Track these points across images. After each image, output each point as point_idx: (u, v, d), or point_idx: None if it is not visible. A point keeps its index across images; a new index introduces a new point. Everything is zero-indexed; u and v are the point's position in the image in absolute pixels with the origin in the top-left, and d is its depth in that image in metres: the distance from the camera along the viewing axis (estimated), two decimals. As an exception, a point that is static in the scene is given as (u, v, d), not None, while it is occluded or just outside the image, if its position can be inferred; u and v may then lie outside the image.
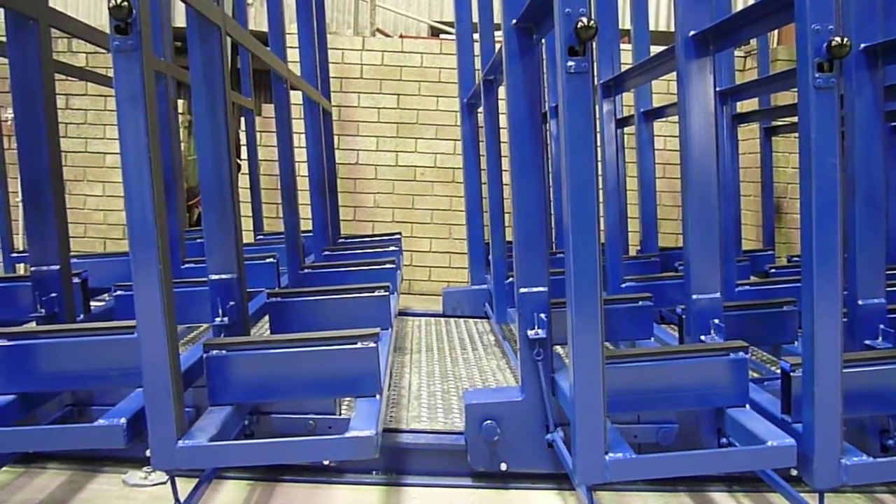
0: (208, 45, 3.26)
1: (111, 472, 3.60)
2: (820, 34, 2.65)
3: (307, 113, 6.13)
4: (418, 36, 9.36)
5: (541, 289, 3.44)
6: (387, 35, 9.13)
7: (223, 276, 3.44)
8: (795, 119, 3.87)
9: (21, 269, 7.19)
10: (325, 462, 3.52)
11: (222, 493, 3.45)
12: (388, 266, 5.15)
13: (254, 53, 4.31)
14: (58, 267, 3.56)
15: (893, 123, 5.11)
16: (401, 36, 9.03)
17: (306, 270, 5.15)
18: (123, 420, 2.85)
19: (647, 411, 3.48)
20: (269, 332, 4.20)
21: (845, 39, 2.62)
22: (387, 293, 4.11)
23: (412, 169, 8.24)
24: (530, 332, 3.40)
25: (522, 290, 3.45)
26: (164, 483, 3.51)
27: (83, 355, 3.11)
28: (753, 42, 7.67)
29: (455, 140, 7.86)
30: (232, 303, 3.45)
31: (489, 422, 3.47)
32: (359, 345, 3.09)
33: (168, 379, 2.68)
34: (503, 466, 3.51)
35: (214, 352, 3.06)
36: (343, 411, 3.70)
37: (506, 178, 4.17)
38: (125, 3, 2.45)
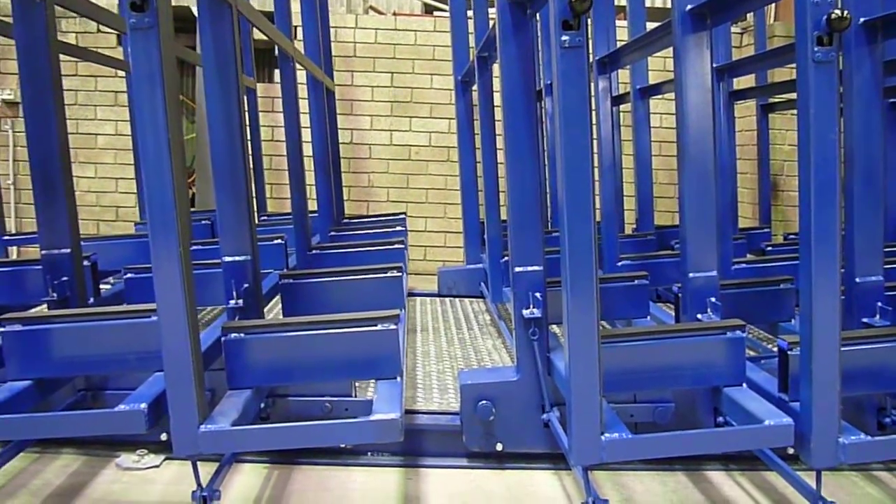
0: (220, 24, 3.19)
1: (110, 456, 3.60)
2: (819, 7, 2.60)
3: (311, 92, 6.06)
4: (412, 13, 9.25)
5: (536, 268, 3.41)
6: (380, 13, 9.03)
7: (237, 258, 3.40)
8: (792, 96, 3.83)
9: (13, 252, 7.14)
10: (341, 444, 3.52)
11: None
12: (396, 246, 5.13)
13: (262, 31, 4.23)
14: (69, 250, 3.52)
15: (892, 99, 5.07)
16: (394, 13, 8.94)
17: (314, 251, 5.13)
18: (144, 405, 2.82)
19: (643, 390, 3.47)
20: (279, 313, 4.17)
21: (845, 12, 2.57)
22: (400, 274, 4.10)
23: (407, 148, 8.19)
24: (525, 312, 3.38)
25: (517, 269, 3.42)
26: (158, 466, 3.51)
27: (101, 340, 3.08)
28: (750, 18, 7.60)
29: (450, 119, 7.80)
30: (246, 285, 3.41)
31: (484, 402, 3.46)
32: (379, 327, 3.07)
33: (189, 363, 2.66)
34: (499, 447, 3.50)
35: (233, 335, 3.04)
36: (358, 393, 3.69)
37: (500, 156, 4.15)
38: None
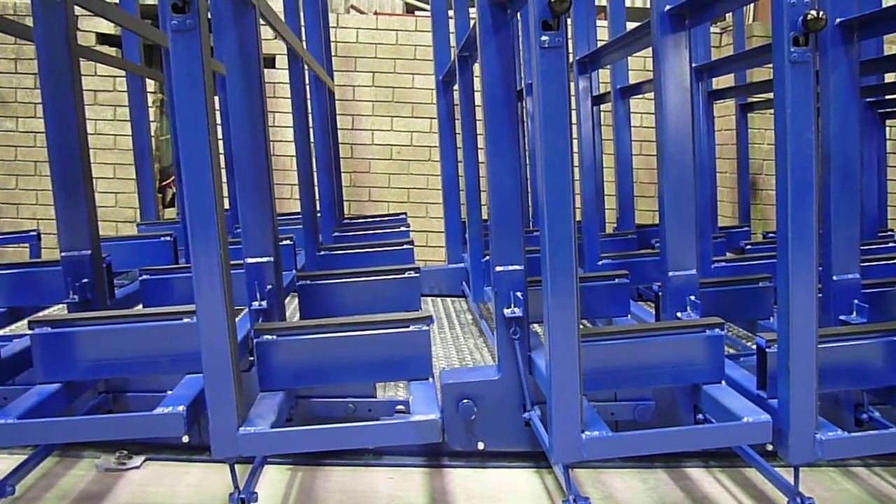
0: (244, 25, 3.18)
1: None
2: (795, 7, 2.63)
3: (314, 93, 6.02)
4: (393, 13, 9.25)
5: (517, 267, 3.42)
6: (361, 12, 9.01)
7: (260, 260, 3.39)
8: (771, 95, 3.85)
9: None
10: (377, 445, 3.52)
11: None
12: (406, 247, 5.15)
13: (277, 32, 4.21)
14: (89, 252, 3.48)
15: (868, 99, 5.13)
16: (375, 13, 8.92)
17: (323, 252, 5.12)
18: (182, 408, 2.80)
19: (623, 389, 3.48)
20: (291, 314, 4.15)
21: (821, 13, 2.60)
22: (416, 275, 4.12)
23: (388, 147, 8.17)
24: (506, 311, 3.39)
25: (498, 268, 3.43)
26: (139, 467, 3.49)
27: (135, 342, 3.07)
28: (729, 18, 7.65)
29: (431, 118, 7.79)
30: (269, 286, 3.40)
31: (466, 401, 3.46)
32: (412, 328, 3.08)
33: (229, 366, 2.66)
34: (480, 445, 3.51)
35: (266, 337, 3.03)
36: (378, 394, 3.70)
37: (481, 156, 4.18)
38: None
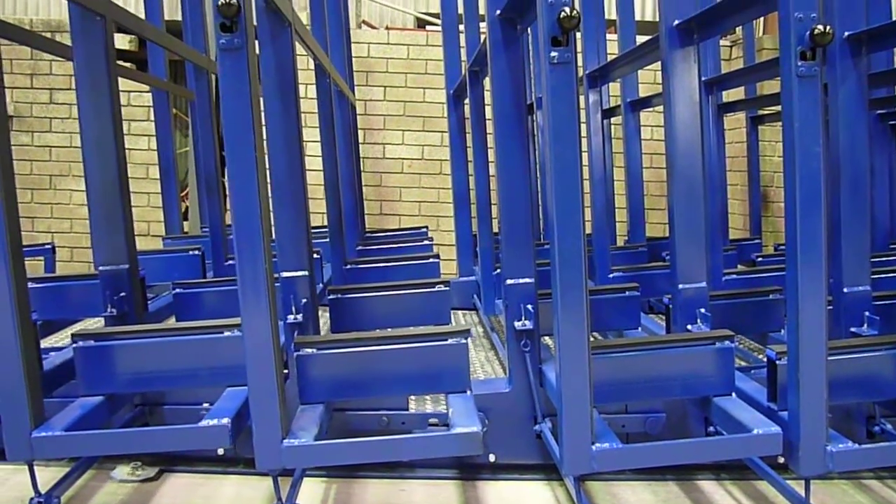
0: (280, 42, 3.23)
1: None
2: (802, 22, 2.64)
3: (338, 107, 6.08)
4: (404, 28, 9.31)
5: (527, 280, 3.44)
6: (372, 27, 9.08)
7: (296, 274, 3.42)
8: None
9: None
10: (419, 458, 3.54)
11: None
12: (431, 260, 5.19)
13: (308, 48, 4.25)
14: (126, 266, 3.52)
15: (879, 111, 5.13)
16: (387, 28, 8.99)
17: (349, 266, 5.16)
18: (227, 420, 2.82)
19: (634, 401, 3.49)
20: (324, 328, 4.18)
21: (828, 27, 2.61)
22: (447, 288, 4.14)
23: (400, 161, 8.22)
24: (517, 324, 3.41)
25: (509, 281, 3.45)
26: (154, 479, 3.52)
27: (178, 355, 3.09)
28: (739, 31, 7.67)
29: (442, 132, 7.83)
30: (305, 300, 3.43)
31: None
32: (450, 341, 3.11)
33: (273, 378, 2.68)
34: (492, 458, 3.52)
35: (306, 350, 3.05)
36: (412, 407, 3.70)
37: (492, 169, 4.21)
38: (234, 1, 2.43)
